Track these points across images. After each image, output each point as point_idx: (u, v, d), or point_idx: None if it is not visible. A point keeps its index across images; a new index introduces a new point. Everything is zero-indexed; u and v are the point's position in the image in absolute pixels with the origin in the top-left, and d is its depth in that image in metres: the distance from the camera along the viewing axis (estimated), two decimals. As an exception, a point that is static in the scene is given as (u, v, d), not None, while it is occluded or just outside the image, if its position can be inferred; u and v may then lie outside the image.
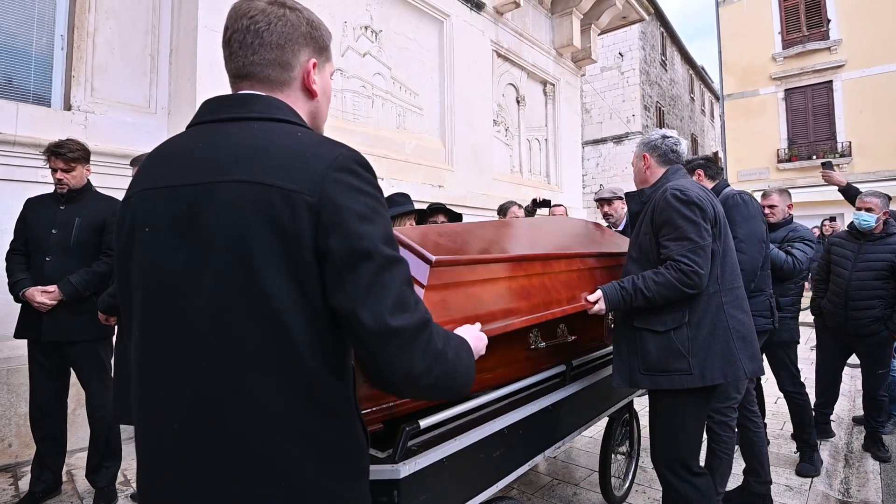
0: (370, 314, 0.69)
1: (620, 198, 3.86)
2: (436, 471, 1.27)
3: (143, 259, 0.76)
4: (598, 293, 1.92)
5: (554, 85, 8.15)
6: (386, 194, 3.71)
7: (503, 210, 4.28)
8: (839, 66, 14.47)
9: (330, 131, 4.21)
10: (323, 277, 0.71)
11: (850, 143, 14.02)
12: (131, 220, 0.78)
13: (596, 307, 1.91)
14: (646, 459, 3.15)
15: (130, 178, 1.08)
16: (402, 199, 2.93)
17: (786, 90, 15.39)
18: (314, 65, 0.87)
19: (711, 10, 17.05)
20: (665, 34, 20.22)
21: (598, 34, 8.90)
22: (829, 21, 14.60)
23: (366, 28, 4.93)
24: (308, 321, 0.71)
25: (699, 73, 24.89)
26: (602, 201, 4.02)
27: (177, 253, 0.73)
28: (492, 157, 6.70)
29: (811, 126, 14.95)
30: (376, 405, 1.42)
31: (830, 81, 14.69)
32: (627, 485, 2.82)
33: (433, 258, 1.31)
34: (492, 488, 1.50)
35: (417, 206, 3.86)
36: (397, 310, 0.71)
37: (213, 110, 0.81)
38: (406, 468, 1.18)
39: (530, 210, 5.26)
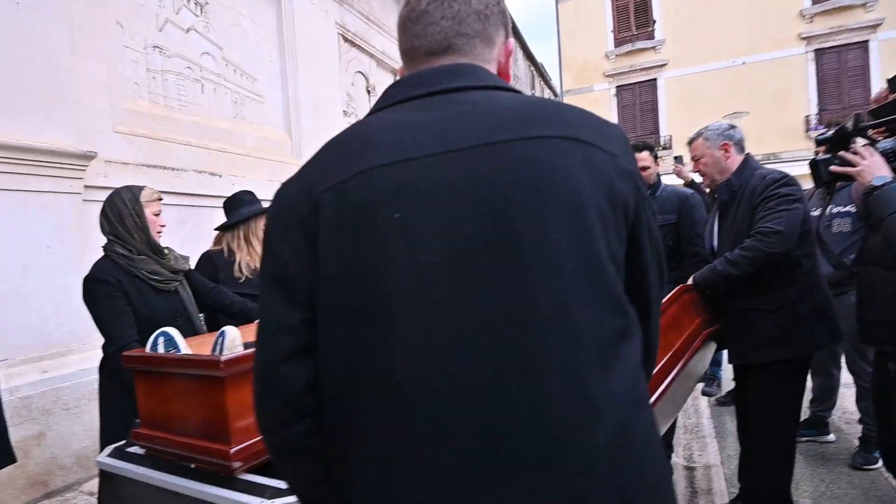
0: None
1: None
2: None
3: (409, 242, 0.63)
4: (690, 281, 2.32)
5: (405, 74, 8.32)
6: (228, 193, 3.50)
7: None
8: (662, 65, 16.99)
9: (152, 121, 3.83)
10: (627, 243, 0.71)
11: (671, 136, 16.53)
12: (356, 206, 0.65)
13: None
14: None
15: None
16: (249, 197, 2.77)
17: (617, 87, 17.62)
18: (510, 49, 0.84)
19: (552, 11, 19.28)
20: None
21: (447, 23, 9.30)
22: (654, 22, 17.03)
23: (188, -1, 4.54)
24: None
25: (540, 70, 27.29)
26: None
27: (470, 222, 0.62)
28: (344, 152, 6.61)
29: (639, 121, 17.28)
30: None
31: (655, 79, 17.18)
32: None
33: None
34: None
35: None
36: None
37: (422, 84, 0.74)
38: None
39: None
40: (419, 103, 0.73)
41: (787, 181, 2.19)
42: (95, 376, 3.37)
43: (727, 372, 3.98)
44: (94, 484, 3.28)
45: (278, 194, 0.74)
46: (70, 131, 3.44)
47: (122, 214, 1.95)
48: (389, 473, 0.62)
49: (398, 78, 0.81)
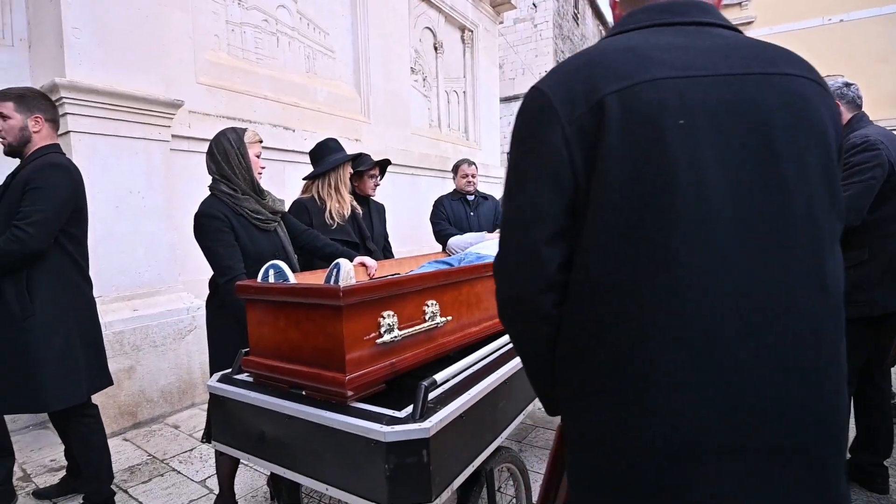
0: None
1: None
2: (455, 426, 1.29)
3: (690, 151, 0.74)
4: None
5: (472, 31, 8.20)
6: (301, 148, 3.57)
7: (455, 168, 4.20)
8: (748, 23, 15.98)
9: (231, 73, 3.92)
10: None
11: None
12: (643, 110, 0.75)
13: None
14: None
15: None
16: (335, 144, 2.83)
17: (697, 48, 16.74)
18: None
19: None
20: (578, -16, 20.93)
21: (518, -23, 9.05)
22: (738, -23, 16.00)
23: (266, -51, 4.60)
24: None
25: (608, 28, 26.17)
26: None
27: (741, 135, 0.75)
28: (410, 110, 6.64)
29: (719, 86, 16.41)
30: (379, 363, 1.41)
31: (738, 40, 16.22)
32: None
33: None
34: (498, 439, 1.56)
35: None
36: None
37: (672, 13, 0.84)
38: (433, 426, 1.18)
39: None
40: (675, 30, 0.83)
41: (866, 146, 2.14)
42: (181, 317, 3.62)
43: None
44: (177, 418, 3.55)
45: (540, 91, 0.82)
46: (158, 80, 3.60)
47: (228, 154, 2.04)
48: (655, 343, 0.73)
49: (623, 12, 0.91)
